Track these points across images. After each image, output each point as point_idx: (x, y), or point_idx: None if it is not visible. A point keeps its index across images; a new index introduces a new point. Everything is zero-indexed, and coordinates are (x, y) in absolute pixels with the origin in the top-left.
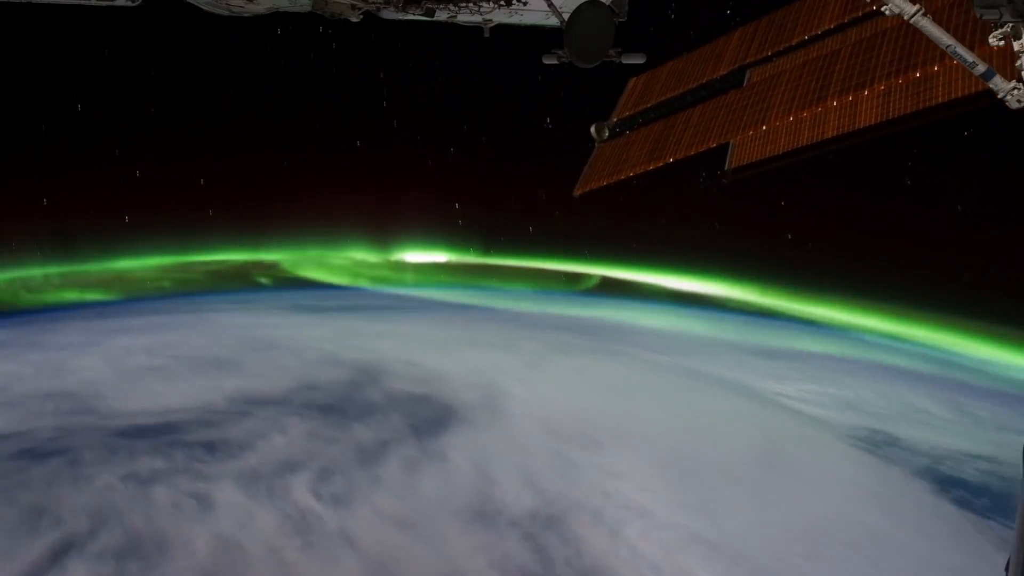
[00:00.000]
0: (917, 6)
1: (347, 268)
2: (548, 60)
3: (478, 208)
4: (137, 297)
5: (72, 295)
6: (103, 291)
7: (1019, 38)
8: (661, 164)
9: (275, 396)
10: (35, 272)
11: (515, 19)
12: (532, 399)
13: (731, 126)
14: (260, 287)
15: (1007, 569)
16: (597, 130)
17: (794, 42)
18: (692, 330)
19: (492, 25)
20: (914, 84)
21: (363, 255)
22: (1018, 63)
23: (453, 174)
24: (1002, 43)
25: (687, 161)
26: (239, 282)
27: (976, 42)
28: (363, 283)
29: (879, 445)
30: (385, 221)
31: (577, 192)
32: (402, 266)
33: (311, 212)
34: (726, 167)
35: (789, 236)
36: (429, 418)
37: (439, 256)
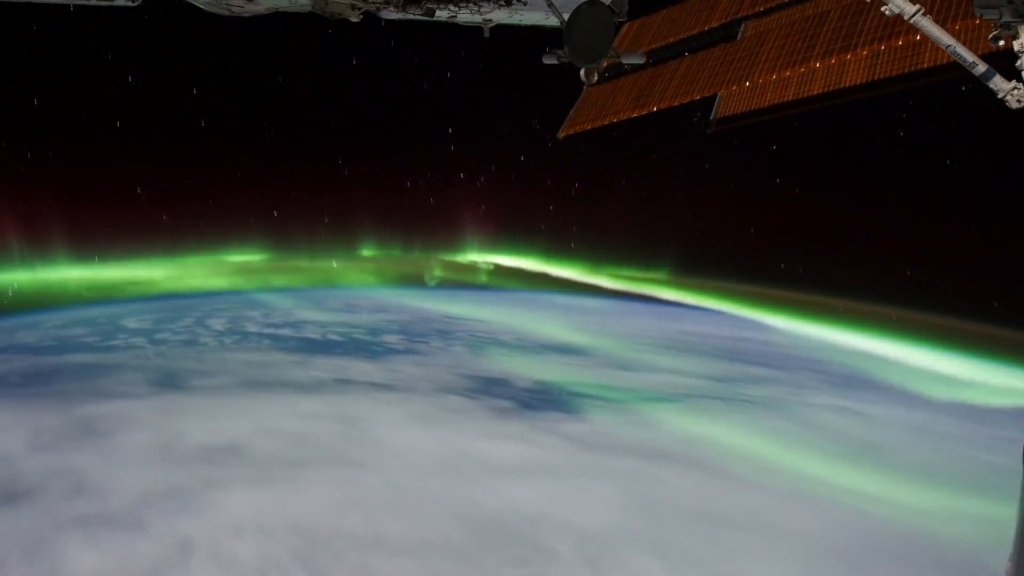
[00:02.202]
0: (917, 6)
1: None
2: (548, 60)
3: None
4: None
5: None
6: None
7: (1019, 38)
8: (645, 112)
9: None
10: None
11: (515, 19)
12: None
13: (717, 79)
14: None
15: (1007, 569)
16: (587, 74)
17: None
18: None
19: (492, 25)
20: (901, 49)
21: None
22: (1018, 63)
23: None
24: (1002, 43)
25: (672, 110)
26: None
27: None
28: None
29: None
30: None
31: (561, 134)
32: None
33: None
34: (711, 117)
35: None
36: None
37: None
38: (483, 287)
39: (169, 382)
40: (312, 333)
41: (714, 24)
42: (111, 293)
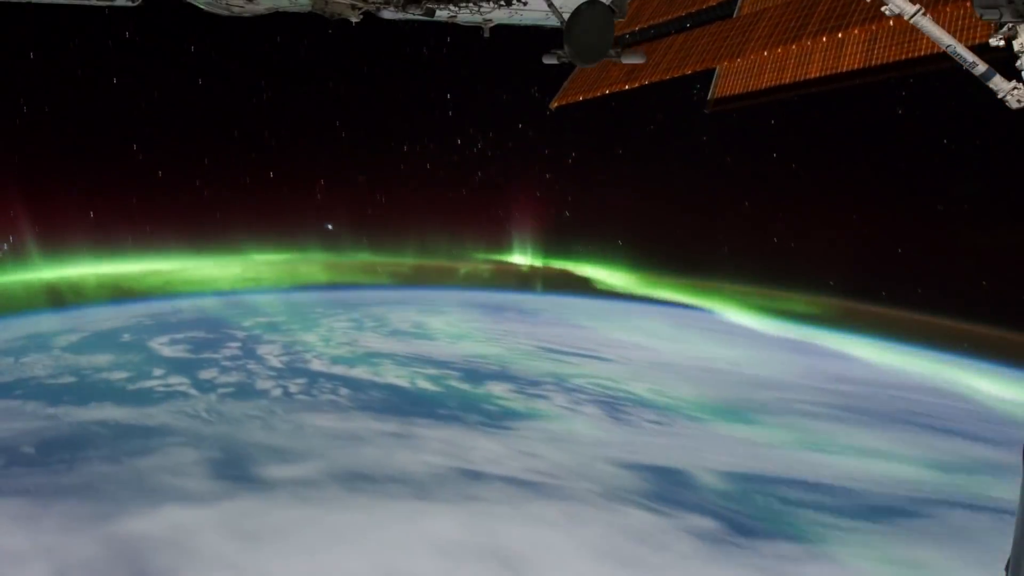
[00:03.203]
0: (917, 6)
1: None
2: (548, 60)
3: None
4: None
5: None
6: None
7: (1019, 38)
8: (638, 84)
9: None
10: None
11: (515, 19)
12: None
13: (710, 55)
14: None
15: (1007, 569)
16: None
17: None
18: None
19: (492, 25)
20: (897, 33)
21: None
22: (1018, 63)
23: None
24: (1002, 43)
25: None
26: None
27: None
28: None
29: None
30: None
31: (554, 104)
32: None
33: None
34: (709, 97)
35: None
36: None
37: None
38: (554, 292)
39: (237, 468)
40: (397, 378)
41: (712, 3)
42: (133, 289)
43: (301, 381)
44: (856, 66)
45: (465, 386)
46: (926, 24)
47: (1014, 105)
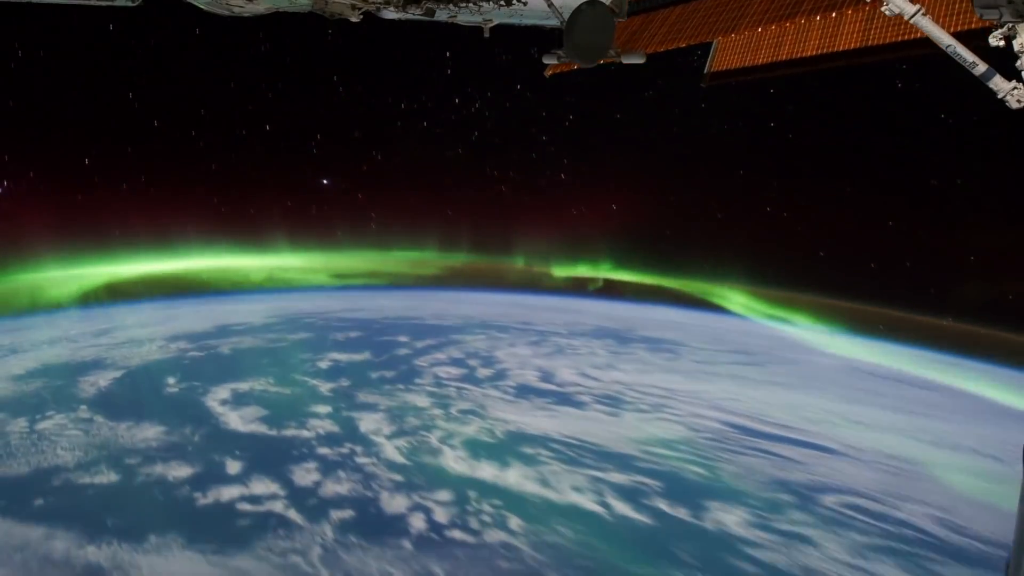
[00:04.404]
0: (917, 6)
1: None
2: (548, 60)
3: None
4: None
5: None
6: None
7: (1019, 38)
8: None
9: None
10: None
11: (515, 19)
12: None
13: (704, 29)
14: None
15: (1007, 569)
16: None
17: None
18: None
19: (492, 25)
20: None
21: None
22: (1018, 63)
23: None
24: (1002, 43)
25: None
26: None
27: None
28: None
29: None
30: None
31: (548, 72)
32: None
33: None
34: (705, 70)
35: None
36: None
37: None
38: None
39: None
40: (577, 494)
41: None
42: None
43: (444, 500)
44: (853, 45)
45: (682, 513)
46: (926, 24)
47: (1014, 105)
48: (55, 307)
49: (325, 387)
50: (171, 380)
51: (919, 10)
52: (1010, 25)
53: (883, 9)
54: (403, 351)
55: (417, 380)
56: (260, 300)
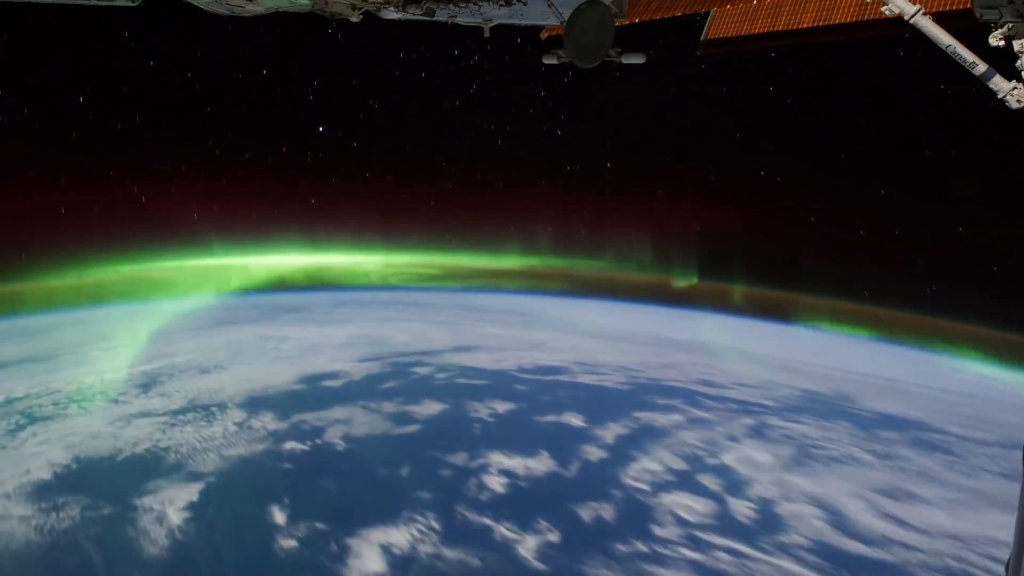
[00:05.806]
0: (917, 6)
1: None
2: (548, 60)
3: None
4: None
5: None
6: None
7: (1019, 38)
8: (627, 23)
9: None
10: None
11: (515, 19)
12: None
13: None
14: None
15: (1007, 569)
16: None
17: None
18: None
19: (492, 25)
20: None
21: None
22: (1018, 63)
23: None
24: (1002, 43)
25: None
26: None
27: None
28: None
29: None
30: None
31: (543, 35)
32: None
33: None
34: (701, 38)
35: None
36: None
37: None
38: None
39: None
40: None
41: None
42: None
43: None
44: (850, 19)
45: None
46: (926, 24)
47: (1014, 105)
48: None
49: None
50: None
51: (919, 10)
52: (1010, 25)
53: (883, 9)
54: (588, 450)
55: (655, 530)
56: None
